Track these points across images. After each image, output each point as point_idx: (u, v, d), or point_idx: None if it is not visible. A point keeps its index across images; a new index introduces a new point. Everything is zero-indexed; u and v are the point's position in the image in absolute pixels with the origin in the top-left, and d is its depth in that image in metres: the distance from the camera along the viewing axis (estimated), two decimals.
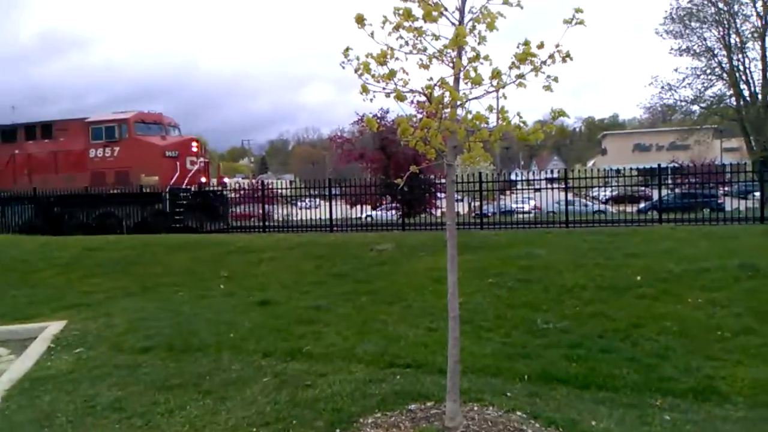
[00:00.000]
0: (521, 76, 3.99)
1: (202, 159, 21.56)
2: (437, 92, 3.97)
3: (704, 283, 7.44)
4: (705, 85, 31.92)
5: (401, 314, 7.64)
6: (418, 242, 11.54)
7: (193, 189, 20.26)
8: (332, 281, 9.41)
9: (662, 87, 32.49)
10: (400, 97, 3.94)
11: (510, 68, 3.98)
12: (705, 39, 31.84)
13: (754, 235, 10.56)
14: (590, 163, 68.52)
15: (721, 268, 7.77)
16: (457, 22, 4.03)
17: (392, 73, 4.00)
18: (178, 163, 20.04)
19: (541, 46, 3.94)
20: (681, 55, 32.25)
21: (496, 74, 3.82)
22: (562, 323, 6.76)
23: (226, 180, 25.71)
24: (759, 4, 30.48)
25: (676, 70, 34.12)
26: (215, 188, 22.21)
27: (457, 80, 4.08)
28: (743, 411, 4.73)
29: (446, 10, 4.02)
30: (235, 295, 9.00)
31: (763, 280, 7.34)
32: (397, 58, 4.01)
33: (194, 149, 21.01)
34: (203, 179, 21.54)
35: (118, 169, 20.54)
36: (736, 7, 31.01)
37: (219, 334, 7.01)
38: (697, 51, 31.94)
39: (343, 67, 4.10)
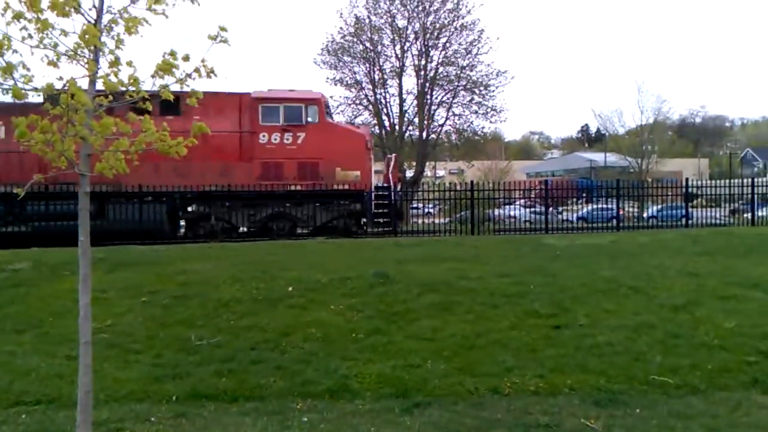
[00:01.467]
0: (165, 86, 3.88)
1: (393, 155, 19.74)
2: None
3: (346, 291, 8.27)
4: (355, 113, 36.02)
5: (34, 343, 6.68)
6: (63, 260, 10.27)
7: (396, 187, 17.93)
8: None
9: None
10: (18, 95, 3.44)
11: (153, 77, 3.84)
12: (355, 72, 35.98)
13: (391, 247, 12.19)
14: None
15: (360, 277, 8.73)
16: (93, 21, 3.72)
17: (10, 67, 3.48)
18: (372, 157, 17.27)
19: (186, 58, 3.89)
20: (336, 84, 35.85)
21: (134, 81, 3.63)
22: (216, 338, 6.75)
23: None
24: (398, 47, 35.76)
25: (332, 97, 37.81)
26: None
27: (93, 83, 3.75)
28: (370, 404, 5.37)
29: (81, 6, 3.68)
30: None
31: (392, 286, 8.48)
32: (15, 51, 3.51)
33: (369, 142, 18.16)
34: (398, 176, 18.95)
35: (304, 159, 16.52)
36: (379, 48, 35.81)
37: None
38: (349, 82, 35.87)
39: None
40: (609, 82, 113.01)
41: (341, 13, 35.02)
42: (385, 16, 35.19)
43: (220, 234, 16.20)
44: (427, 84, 34.98)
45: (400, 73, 35.73)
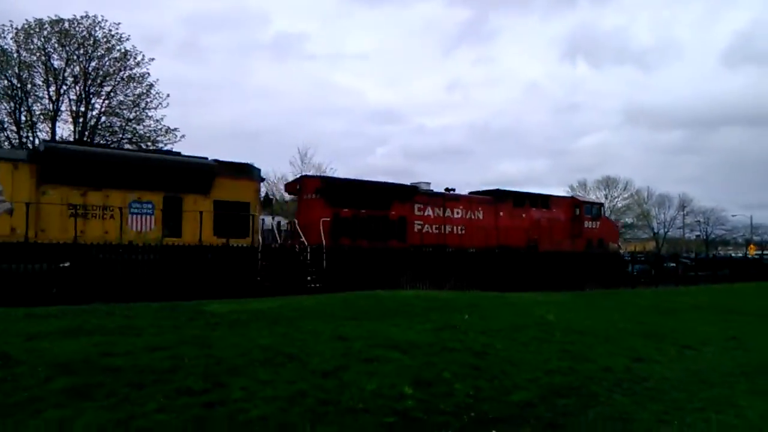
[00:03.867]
0: None
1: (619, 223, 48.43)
2: None
3: None
4: None
5: None
6: None
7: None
8: None
9: None
10: None
11: None
12: None
13: (23, 320, 10.19)
14: None
15: None
16: None
17: None
18: None
19: None
20: None
21: None
22: None
23: None
24: (52, 89, 32.01)
25: None
26: None
27: None
28: None
29: None
30: None
31: (13, 369, 7.02)
32: None
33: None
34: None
35: (598, 237, 32.93)
36: (29, 87, 31.57)
37: None
38: None
39: None
40: (278, 151, 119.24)
41: None
42: (38, 53, 31.38)
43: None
44: (87, 132, 31.98)
45: (53, 117, 32.00)
